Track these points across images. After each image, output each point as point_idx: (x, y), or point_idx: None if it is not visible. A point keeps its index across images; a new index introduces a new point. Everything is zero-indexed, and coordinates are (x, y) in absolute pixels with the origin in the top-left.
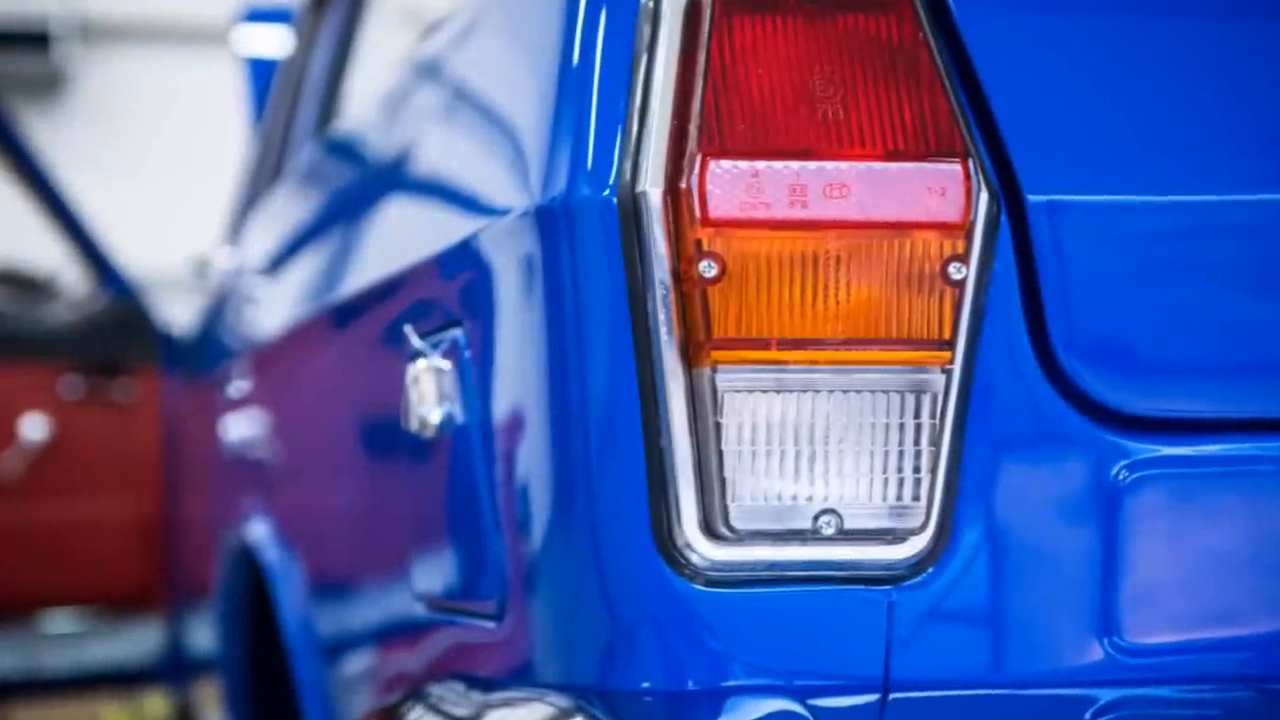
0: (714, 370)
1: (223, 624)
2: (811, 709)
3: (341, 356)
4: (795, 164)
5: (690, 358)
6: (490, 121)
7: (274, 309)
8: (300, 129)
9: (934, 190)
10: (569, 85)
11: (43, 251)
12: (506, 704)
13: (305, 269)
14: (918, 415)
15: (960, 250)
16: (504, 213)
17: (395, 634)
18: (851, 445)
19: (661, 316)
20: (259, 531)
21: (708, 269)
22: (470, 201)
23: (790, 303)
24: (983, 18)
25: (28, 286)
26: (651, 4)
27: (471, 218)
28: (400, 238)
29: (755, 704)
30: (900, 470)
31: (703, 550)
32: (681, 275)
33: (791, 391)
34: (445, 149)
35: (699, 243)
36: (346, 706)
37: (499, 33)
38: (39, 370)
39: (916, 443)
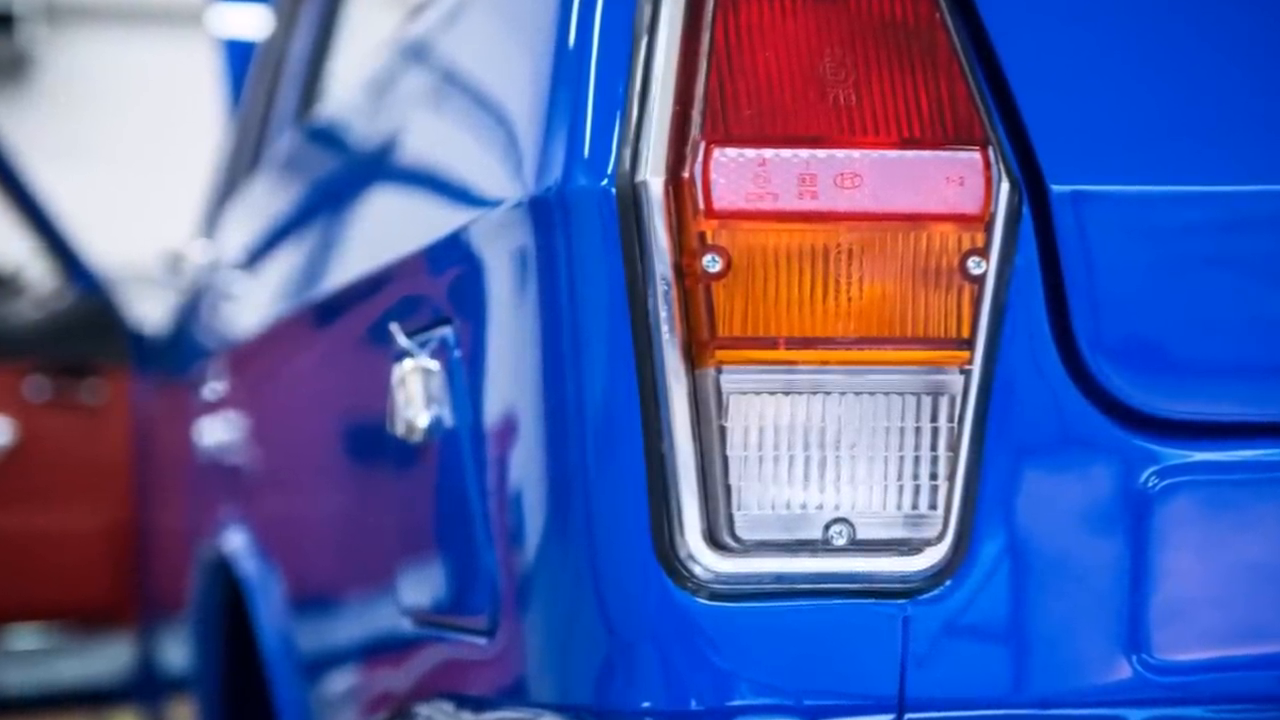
0: (718, 371)
1: (197, 640)
2: None
3: (324, 357)
4: (804, 152)
5: (693, 358)
6: (481, 107)
7: (252, 306)
8: (280, 115)
9: (952, 180)
10: (565, 68)
11: (7, 245)
12: None
13: (285, 264)
14: (934, 419)
15: (980, 244)
16: (496, 204)
17: (380, 651)
18: (864, 450)
19: (663, 314)
20: (236, 541)
21: (712, 263)
22: (460, 192)
23: (799, 299)
24: None
25: None
26: None
27: (461, 209)
28: (386, 231)
29: None
30: (916, 477)
31: (706, 562)
32: (684, 270)
33: (800, 393)
34: (434, 136)
35: (702, 236)
36: None
37: (491, 13)
38: (2, 371)
39: (933, 448)
